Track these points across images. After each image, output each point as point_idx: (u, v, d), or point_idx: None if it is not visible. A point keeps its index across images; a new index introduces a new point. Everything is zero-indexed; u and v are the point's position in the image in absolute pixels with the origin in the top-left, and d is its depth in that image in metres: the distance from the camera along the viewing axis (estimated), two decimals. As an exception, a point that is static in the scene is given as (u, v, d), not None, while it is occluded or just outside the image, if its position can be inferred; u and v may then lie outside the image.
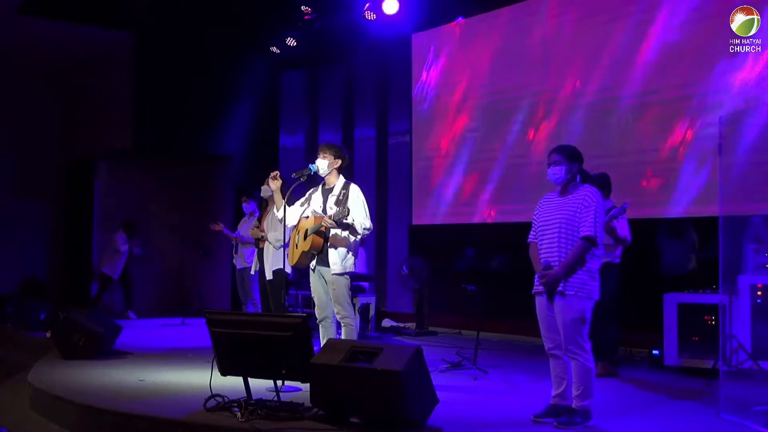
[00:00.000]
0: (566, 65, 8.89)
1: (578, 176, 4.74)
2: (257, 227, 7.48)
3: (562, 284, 4.50)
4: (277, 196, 5.67)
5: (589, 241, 4.51)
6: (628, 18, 8.27)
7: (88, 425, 5.06)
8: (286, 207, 5.69)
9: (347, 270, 5.53)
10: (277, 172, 5.67)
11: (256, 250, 7.62)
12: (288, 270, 6.78)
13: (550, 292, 4.55)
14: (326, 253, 5.53)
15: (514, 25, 9.56)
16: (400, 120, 11.09)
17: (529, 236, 4.83)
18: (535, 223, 4.79)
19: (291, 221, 5.75)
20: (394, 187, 11.14)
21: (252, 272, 7.77)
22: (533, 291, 4.70)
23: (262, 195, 7.62)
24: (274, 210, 6.05)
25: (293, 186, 5.63)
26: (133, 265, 11.60)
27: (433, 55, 10.59)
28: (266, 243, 7.28)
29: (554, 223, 4.62)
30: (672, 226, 7.81)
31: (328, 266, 5.54)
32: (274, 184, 5.64)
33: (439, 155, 10.39)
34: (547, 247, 4.63)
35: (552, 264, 4.55)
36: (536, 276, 4.68)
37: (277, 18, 11.21)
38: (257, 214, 8.22)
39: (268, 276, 7.18)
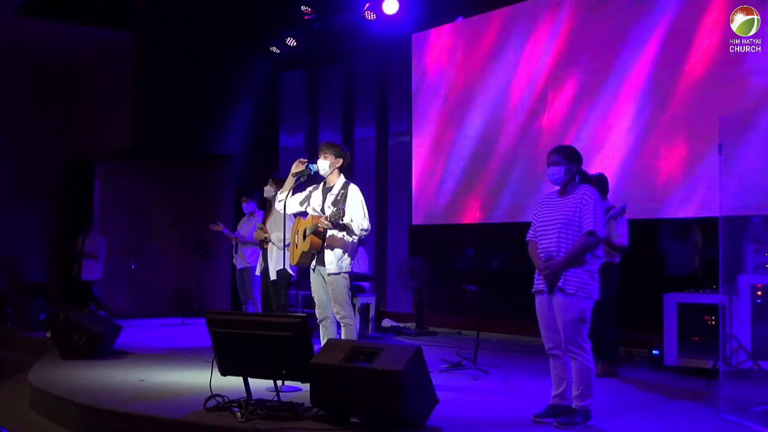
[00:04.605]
0: (567, 65, 8.88)
1: (577, 176, 4.76)
2: (261, 228, 7.47)
3: (562, 280, 4.51)
4: (290, 179, 5.66)
5: (593, 236, 4.51)
6: (631, 19, 8.26)
7: (88, 425, 5.06)
8: (289, 195, 5.68)
9: (343, 270, 5.52)
10: (305, 160, 5.71)
11: (261, 251, 7.60)
12: (291, 270, 6.78)
13: (551, 285, 4.56)
14: (324, 253, 5.53)
15: (514, 25, 9.56)
16: (400, 120, 11.09)
17: (528, 234, 4.84)
18: (535, 222, 4.80)
19: (289, 210, 5.76)
20: (394, 187, 11.14)
21: (257, 272, 7.76)
22: (533, 290, 4.71)
23: (264, 195, 7.62)
24: (277, 209, 6.04)
25: (293, 186, 5.63)
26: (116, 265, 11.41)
27: (433, 55, 10.59)
28: (270, 244, 7.28)
29: (555, 224, 4.63)
30: (672, 226, 7.81)
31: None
32: (298, 168, 5.63)
33: (440, 155, 10.39)
34: (546, 248, 4.64)
35: (553, 257, 4.56)
36: (536, 274, 4.69)
37: (277, 18, 11.22)
38: (257, 214, 8.21)
39: (273, 276, 7.16)
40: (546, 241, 4.65)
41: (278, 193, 5.87)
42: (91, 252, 10.89)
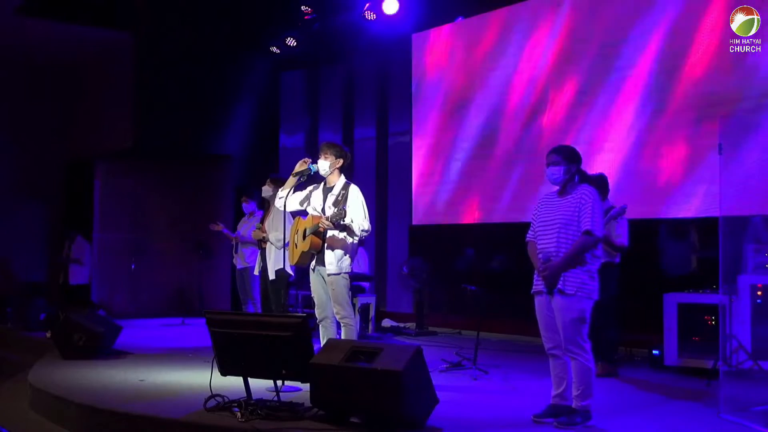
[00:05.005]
0: (567, 65, 8.88)
1: (576, 176, 4.75)
2: (259, 228, 7.48)
3: (561, 281, 4.50)
4: (292, 178, 5.66)
5: (590, 235, 4.51)
6: (631, 19, 8.26)
7: (88, 425, 5.06)
8: (290, 194, 5.69)
9: (343, 270, 5.52)
10: (309, 159, 5.69)
11: (258, 250, 7.62)
12: (290, 270, 6.78)
13: (550, 286, 4.56)
14: (324, 254, 5.53)
15: (514, 25, 9.56)
16: (400, 120, 11.09)
17: (528, 235, 4.84)
18: (534, 222, 4.80)
19: (290, 208, 5.76)
20: (394, 187, 11.15)
21: (256, 272, 7.77)
22: (532, 290, 4.71)
23: (263, 195, 7.63)
24: (277, 206, 6.04)
25: (294, 184, 5.63)
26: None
27: (433, 55, 10.58)
28: (268, 243, 7.29)
29: (554, 224, 4.63)
30: (672, 226, 7.81)
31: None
32: (301, 167, 5.63)
33: (440, 155, 10.38)
34: (545, 247, 4.64)
35: (551, 258, 4.56)
36: (535, 275, 4.68)
37: (277, 18, 11.22)
38: (257, 214, 8.21)
39: (271, 276, 7.18)
40: (545, 240, 4.65)
41: (279, 190, 5.86)
42: (77, 257, 11.16)
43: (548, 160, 4.73)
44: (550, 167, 4.70)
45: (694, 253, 7.67)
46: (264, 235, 7.31)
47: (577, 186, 4.71)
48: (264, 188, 7.48)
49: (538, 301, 4.68)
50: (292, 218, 6.17)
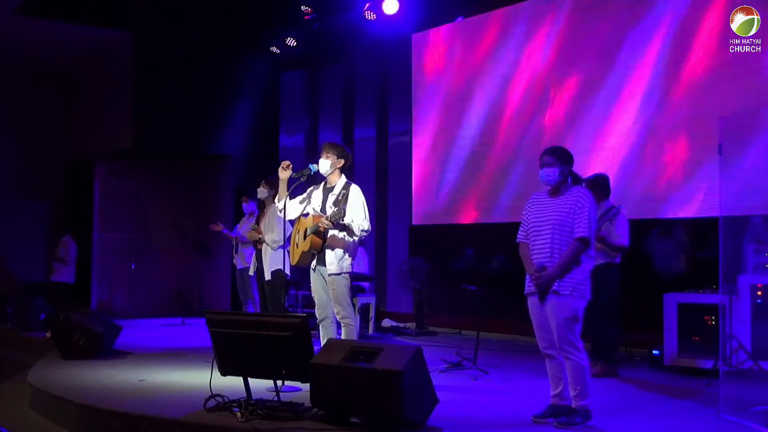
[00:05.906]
0: (567, 65, 8.88)
1: (569, 178, 4.73)
2: (255, 229, 7.48)
3: (556, 283, 4.50)
4: (282, 187, 5.64)
5: (584, 242, 4.51)
6: (632, 19, 8.26)
7: (88, 425, 5.06)
8: (287, 200, 5.66)
9: (344, 270, 5.51)
10: (288, 162, 5.64)
11: (255, 250, 7.63)
12: (287, 271, 6.78)
13: (543, 293, 4.55)
14: (325, 253, 5.53)
15: (514, 25, 9.56)
16: (400, 120, 11.09)
17: (519, 236, 4.81)
18: (525, 223, 4.78)
19: (290, 215, 5.74)
20: (394, 187, 11.15)
21: (251, 272, 7.78)
22: (525, 291, 4.70)
23: (258, 197, 7.63)
24: (274, 207, 6.03)
25: (293, 186, 5.62)
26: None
27: (433, 55, 10.58)
28: (264, 244, 7.29)
29: (547, 225, 4.61)
30: (673, 226, 7.81)
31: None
32: (283, 174, 5.61)
33: (439, 155, 10.39)
34: (539, 248, 4.62)
35: (545, 265, 4.55)
36: (527, 276, 4.68)
37: (277, 18, 11.23)
38: (257, 215, 8.22)
39: (267, 277, 7.19)
40: (539, 241, 4.63)
41: (276, 200, 5.83)
42: (61, 256, 11.23)
43: (542, 161, 4.70)
44: (544, 168, 4.68)
45: (694, 253, 7.66)
46: (259, 236, 7.32)
47: (571, 187, 4.68)
48: (259, 189, 7.48)
49: (531, 302, 4.68)
50: (290, 225, 6.13)
